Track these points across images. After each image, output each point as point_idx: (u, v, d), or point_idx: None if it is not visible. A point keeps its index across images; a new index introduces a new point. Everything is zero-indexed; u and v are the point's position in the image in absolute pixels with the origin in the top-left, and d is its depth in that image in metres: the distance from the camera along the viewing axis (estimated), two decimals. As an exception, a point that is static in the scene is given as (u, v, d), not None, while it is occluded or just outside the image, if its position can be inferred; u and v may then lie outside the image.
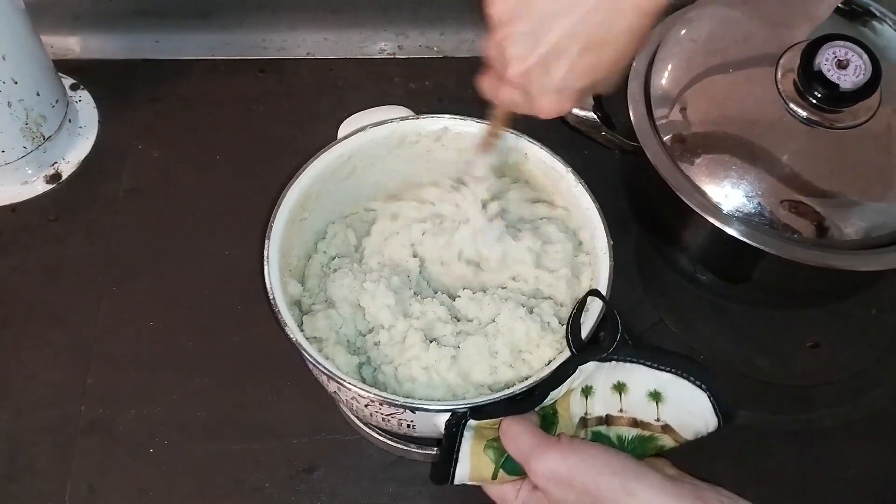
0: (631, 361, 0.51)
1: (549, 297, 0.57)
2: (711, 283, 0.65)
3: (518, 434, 0.46)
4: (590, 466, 0.44)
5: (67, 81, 0.78)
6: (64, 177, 0.73)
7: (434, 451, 0.60)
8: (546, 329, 0.54)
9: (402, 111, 0.59)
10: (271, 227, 0.53)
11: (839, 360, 0.66)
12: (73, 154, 0.74)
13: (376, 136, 0.58)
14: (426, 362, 0.53)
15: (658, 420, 0.50)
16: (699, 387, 0.50)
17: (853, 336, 0.67)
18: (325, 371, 0.48)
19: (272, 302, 0.50)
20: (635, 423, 0.50)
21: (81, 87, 0.78)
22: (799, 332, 0.67)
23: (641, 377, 0.51)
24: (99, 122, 0.76)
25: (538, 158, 0.58)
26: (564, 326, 0.52)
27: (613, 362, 0.51)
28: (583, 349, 0.50)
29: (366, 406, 0.50)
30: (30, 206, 0.71)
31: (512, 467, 0.49)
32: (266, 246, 0.52)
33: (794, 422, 0.64)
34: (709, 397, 0.50)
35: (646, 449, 0.50)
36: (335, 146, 0.57)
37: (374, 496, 0.59)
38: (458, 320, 0.57)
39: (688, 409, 0.50)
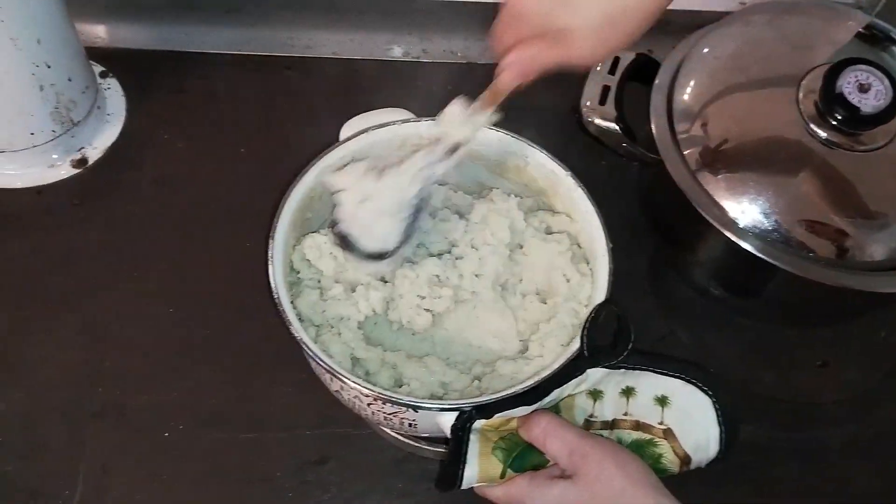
0: (641, 369, 0.52)
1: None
2: (724, 298, 0.66)
3: (566, 430, 0.49)
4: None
5: (97, 69, 0.79)
6: (90, 162, 0.74)
7: (443, 448, 0.61)
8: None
9: (404, 114, 0.60)
10: (275, 227, 0.54)
11: (845, 379, 0.67)
12: (99, 140, 0.75)
13: (378, 138, 0.59)
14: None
15: (661, 423, 0.51)
16: (706, 392, 0.51)
17: (860, 357, 0.68)
18: (328, 368, 0.49)
19: (276, 300, 0.51)
20: (638, 425, 0.51)
21: (111, 74, 0.79)
22: (807, 350, 0.68)
23: (650, 382, 0.52)
24: (126, 110, 0.77)
25: (538, 162, 0.59)
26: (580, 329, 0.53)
27: (623, 370, 0.52)
28: (596, 353, 0.51)
29: (368, 405, 0.51)
30: (55, 190, 0.72)
31: (519, 465, 0.50)
32: (270, 246, 0.53)
33: (799, 439, 0.64)
34: (713, 404, 0.51)
35: (643, 453, 0.51)
36: (338, 148, 0.58)
37: (383, 491, 0.60)
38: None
39: (692, 414, 0.51)
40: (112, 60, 0.80)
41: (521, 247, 0.60)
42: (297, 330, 0.50)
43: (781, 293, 0.62)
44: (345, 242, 0.54)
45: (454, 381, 0.54)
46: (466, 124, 0.52)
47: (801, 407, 0.65)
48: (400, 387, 0.54)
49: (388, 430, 0.61)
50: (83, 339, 0.65)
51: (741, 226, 0.57)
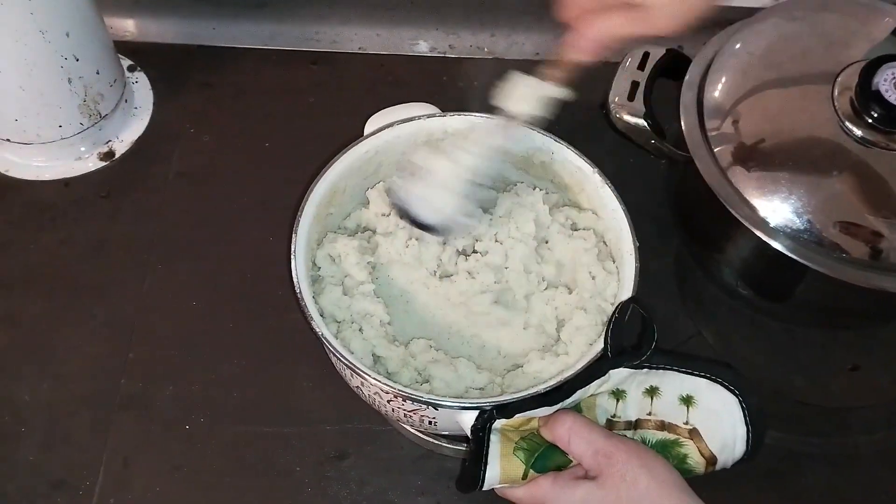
0: (665, 368, 0.51)
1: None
2: (752, 299, 0.65)
3: (591, 430, 0.48)
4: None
5: (125, 63, 0.79)
6: (117, 155, 0.74)
7: (464, 446, 0.60)
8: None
9: (429, 108, 0.60)
10: (298, 221, 0.54)
11: (878, 384, 0.65)
12: (127, 134, 0.76)
13: (403, 132, 0.58)
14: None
15: (686, 423, 0.50)
16: (732, 391, 0.50)
17: (893, 360, 0.66)
18: (348, 364, 0.49)
19: (298, 295, 0.51)
20: (662, 425, 0.51)
21: (138, 68, 0.80)
22: (838, 353, 0.66)
23: (675, 382, 0.51)
24: (154, 104, 0.77)
25: (564, 158, 0.58)
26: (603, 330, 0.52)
27: (647, 370, 0.51)
28: (619, 354, 0.50)
29: (388, 402, 0.50)
30: (82, 182, 0.73)
31: (542, 465, 0.49)
32: (293, 240, 0.53)
33: (829, 444, 0.63)
34: (740, 403, 0.50)
35: (668, 454, 0.50)
36: (362, 142, 0.57)
37: (402, 488, 0.60)
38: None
39: (718, 413, 0.50)
40: (140, 54, 0.80)
41: (547, 242, 0.59)
42: (318, 325, 0.50)
43: (812, 295, 0.60)
44: (401, 211, 0.54)
45: (477, 378, 0.54)
46: (533, 98, 0.51)
47: (832, 412, 0.64)
48: (421, 384, 0.53)
49: (409, 427, 0.60)
50: (108, 330, 0.65)
51: (772, 225, 0.56)
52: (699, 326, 0.67)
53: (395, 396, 0.49)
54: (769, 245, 0.55)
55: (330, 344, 0.50)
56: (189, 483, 0.59)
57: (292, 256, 0.53)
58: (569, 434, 0.48)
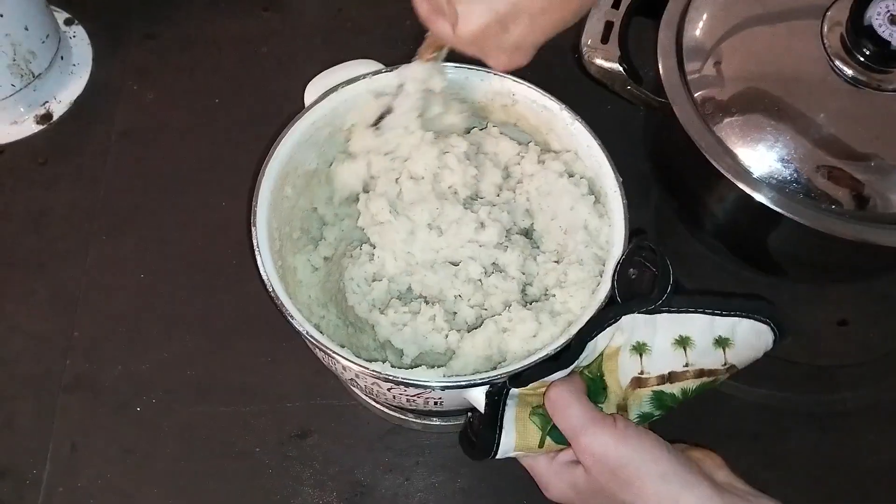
0: (688, 311, 0.48)
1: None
2: (735, 252, 0.61)
3: (568, 405, 0.43)
4: (641, 462, 0.42)
5: (61, 16, 0.74)
6: (55, 117, 0.70)
7: (434, 421, 0.57)
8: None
9: (372, 64, 0.55)
10: (255, 212, 0.49)
11: (867, 340, 0.63)
12: (65, 93, 0.71)
13: (348, 95, 0.53)
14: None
15: (725, 364, 0.48)
16: (765, 322, 0.47)
17: (883, 316, 0.64)
18: (342, 358, 0.44)
19: (272, 294, 0.46)
20: (702, 373, 0.48)
21: (76, 22, 0.74)
22: (826, 308, 0.63)
23: (704, 326, 0.48)
24: (93, 59, 0.73)
25: (528, 98, 0.55)
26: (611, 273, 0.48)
27: (666, 314, 0.48)
28: (630, 297, 0.47)
29: (388, 390, 0.47)
30: (19, 148, 0.69)
31: (560, 435, 0.45)
32: (253, 234, 0.48)
33: (816, 403, 0.61)
34: (773, 331, 0.48)
35: (704, 391, 0.48)
36: (307, 114, 0.53)
37: (369, 466, 0.57)
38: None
39: (753, 345, 0.48)
40: (77, 6, 0.75)
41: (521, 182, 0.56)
42: (301, 323, 0.45)
43: (799, 248, 0.57)
44: None
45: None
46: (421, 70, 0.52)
47: (819, 369, 0.61)
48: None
49: (373, 403, 0.57)
50: (51, 307, 0.62)
51: (755, 176, 0.52)
52: (682, 283, 0.63)
53: (397, 384, 0.45)
54: (752, 197, 0.51)
55: (324, 345, 0.45)
56: (141, 468, 0.57)
57: (257, 252, 0.47)
58: (552, 409, 0.44)
